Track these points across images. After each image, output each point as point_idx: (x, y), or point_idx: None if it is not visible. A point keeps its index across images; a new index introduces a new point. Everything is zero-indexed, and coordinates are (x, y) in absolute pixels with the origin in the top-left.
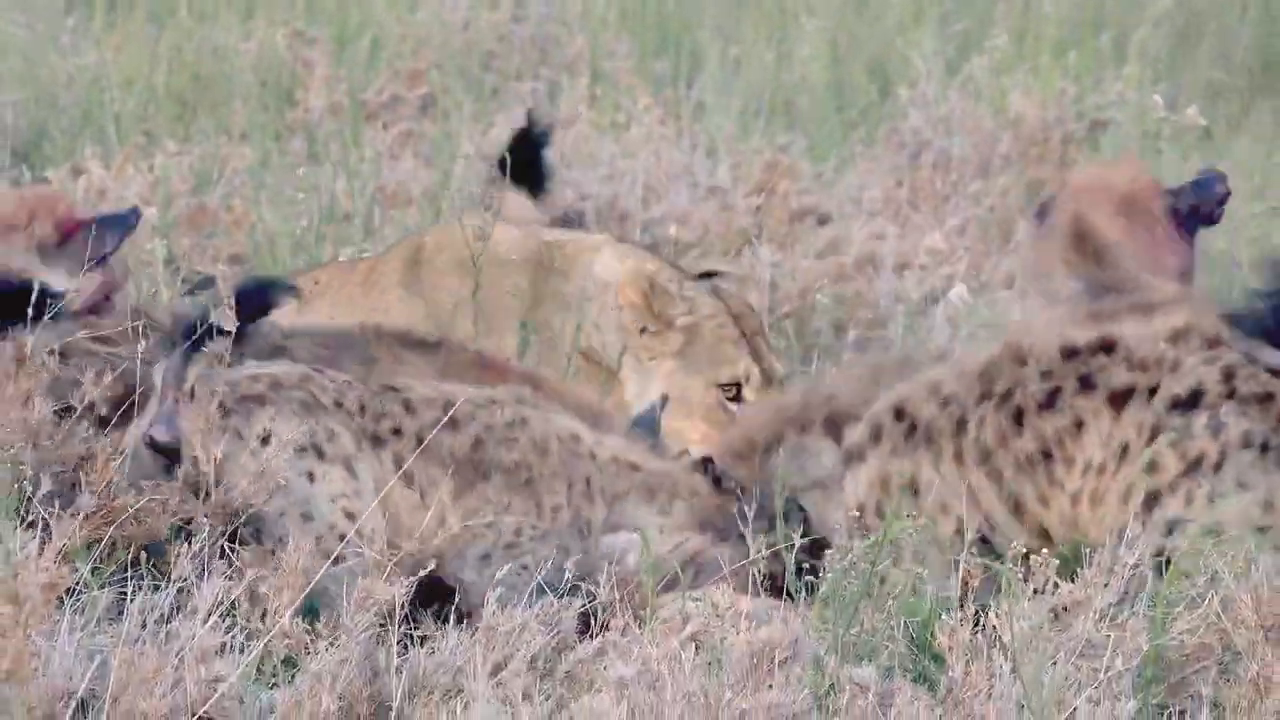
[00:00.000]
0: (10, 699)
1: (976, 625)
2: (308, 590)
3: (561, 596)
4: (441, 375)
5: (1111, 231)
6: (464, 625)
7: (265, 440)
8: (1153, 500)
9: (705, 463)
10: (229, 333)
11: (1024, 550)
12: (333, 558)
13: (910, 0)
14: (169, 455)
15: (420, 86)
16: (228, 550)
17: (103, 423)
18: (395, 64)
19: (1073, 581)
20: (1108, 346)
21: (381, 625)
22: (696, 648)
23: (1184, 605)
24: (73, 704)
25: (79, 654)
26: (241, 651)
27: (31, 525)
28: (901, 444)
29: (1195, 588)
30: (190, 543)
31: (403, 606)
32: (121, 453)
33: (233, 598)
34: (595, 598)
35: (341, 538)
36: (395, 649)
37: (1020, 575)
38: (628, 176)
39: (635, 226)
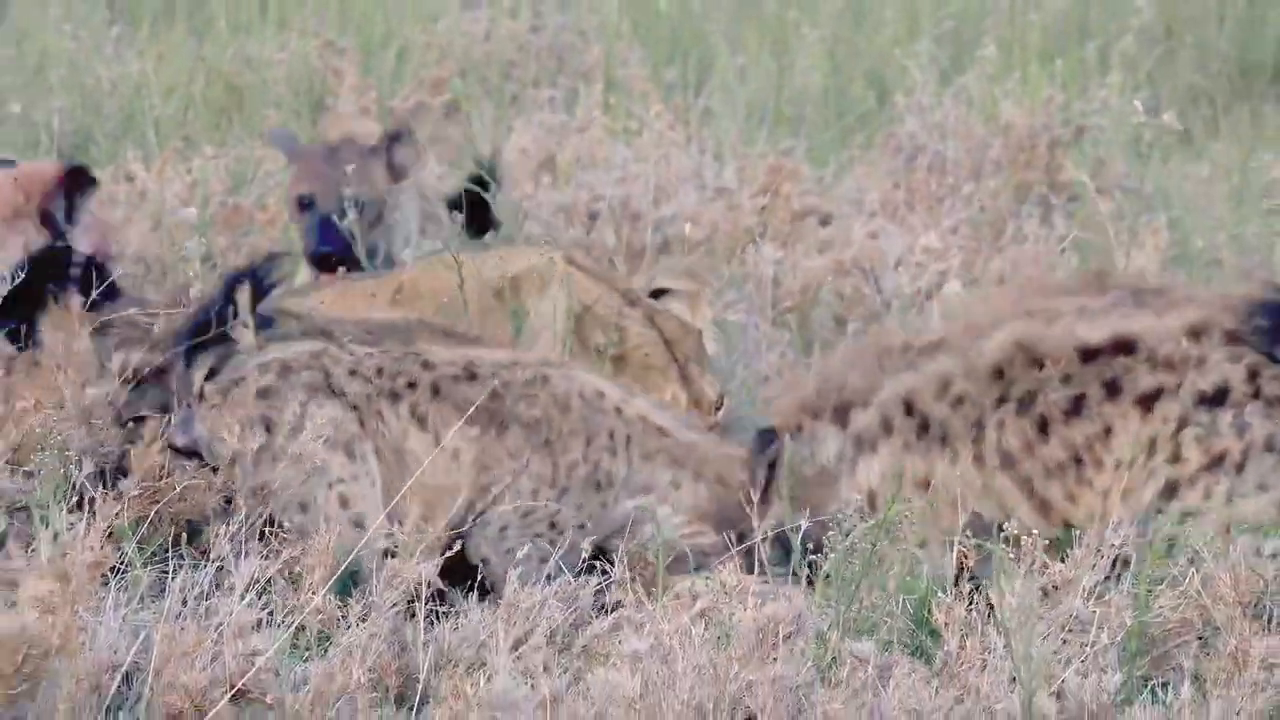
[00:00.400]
0: (60, 671)
1: (971, 602)
2: (340, 570)
3: (579, 575)
4: None
5: None
6: (487, 601)
7: (269, 429)
8: (1171, 491)
9: (767, 434)
10: (233, 331)
11: (1015, 533)
12: (364, 541)
13: (906, 13)
14: (191, 456)
15: (443, 93)
16: (264, 532)
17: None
18: (420, 72)
19: (1062, 562)
20: (1126, 346)
21: (410, 602)
22: (706, 623)
23: (1166, 583)
24: (118, 676)
25: (123, 629)
26: (277, 627)
27: (78, 506)
28: (914, 440)
29: (1176, 566)
30: (228, 524)
31: (429, 584)
32: (164, 435)
33: (268, 576)
34: (610, 575)
35: (353, 522)
36: (422, 624)
37: (1012, 556)
38: (640, 178)
39: (647, 225)
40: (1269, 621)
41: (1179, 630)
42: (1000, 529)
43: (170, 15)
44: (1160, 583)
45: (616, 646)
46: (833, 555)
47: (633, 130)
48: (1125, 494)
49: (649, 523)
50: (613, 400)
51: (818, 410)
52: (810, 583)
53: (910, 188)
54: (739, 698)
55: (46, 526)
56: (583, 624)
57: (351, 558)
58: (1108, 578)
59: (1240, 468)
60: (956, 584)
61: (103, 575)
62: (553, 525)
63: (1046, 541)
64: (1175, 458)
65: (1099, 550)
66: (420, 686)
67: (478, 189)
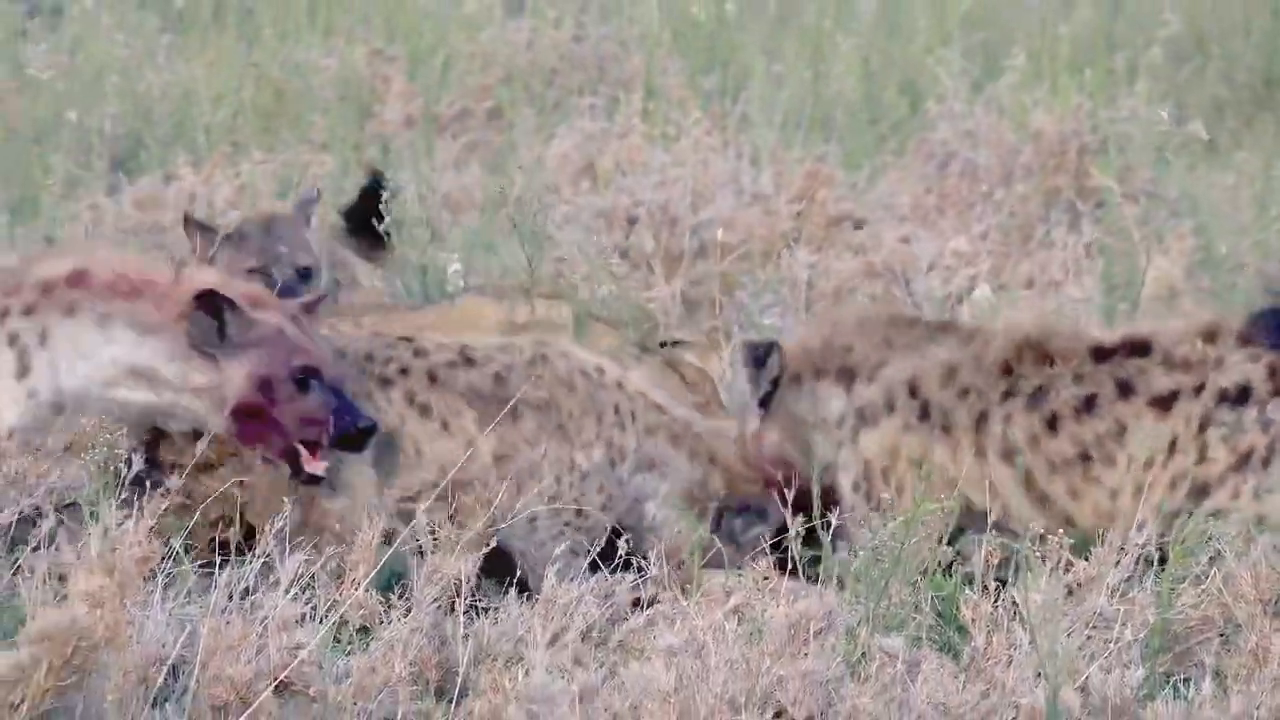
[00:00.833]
0: (108, 663)
1: (997, 600)
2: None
3: (615, 571)
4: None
5: None
6: (525, 598)
7: None
8: (1202, 491)
9: (765, 347)
10: None
11: (1041, 532)
12: (403, 536)
13: (938, 23)
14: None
15: (488, 100)
16: None
17: None
18: (465, 80)
19: (1086, 560)
20: (1140, 348)
21: (450, 597)
22: (739, 619)
23: (1188, 581)
24: (165, 668)
25: (170, 623)
26: (320, 621)
27: (127, 503)
28: (915, 421)
29: (1199, 565)
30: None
31: (469, 580)
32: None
33: (312, 571)
34: (645, 572)
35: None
36: (462, 619)
37: (1038, 555)
38: (678, 184)
39: (684, 230)
40: None
41: (1201, 627)
42: (1026, 529)
43: (220, 23)
44: (1182, 580)
45: (651, 641)
46: (861, 553)
47: (671, 137)
48: (1138, 492)
49: (653, 501)
50: (613, 375)
51: (820, 367)
52: (840, 581)
53: (942, 193)
54: (770, 692)
55: (96, 522)
56: (618, 619)
57: (390, 553)
58: (1130, 576)
59: (1266, 462)
60: (983, 581)
61: (150, 570)
62: (579, 512)
63: (1072, 541)
64: (1202, 458)
65: (1122, 549)
66: (459, 679)
67: (372, 197)
